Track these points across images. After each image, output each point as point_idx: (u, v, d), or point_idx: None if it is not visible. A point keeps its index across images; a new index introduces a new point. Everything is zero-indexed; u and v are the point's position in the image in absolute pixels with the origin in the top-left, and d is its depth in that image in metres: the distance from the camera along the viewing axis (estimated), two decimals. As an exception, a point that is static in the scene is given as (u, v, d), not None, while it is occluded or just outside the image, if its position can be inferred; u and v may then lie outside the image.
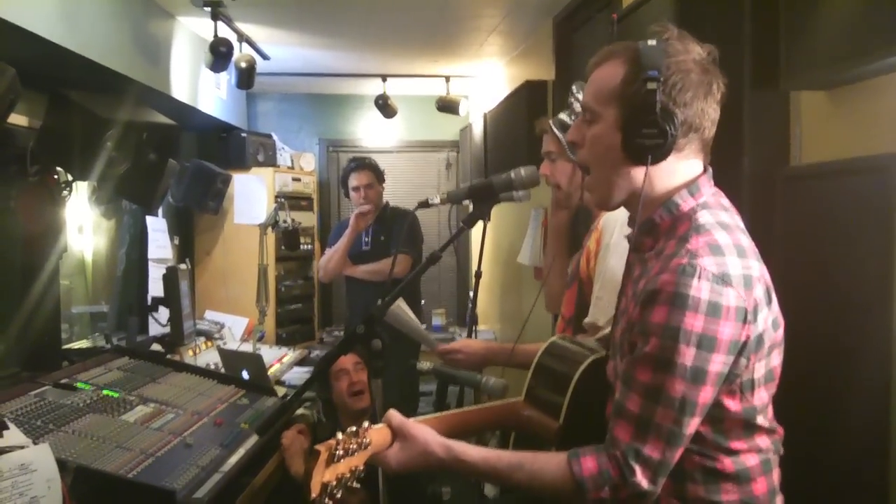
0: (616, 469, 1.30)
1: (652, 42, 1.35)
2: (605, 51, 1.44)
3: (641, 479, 1.28)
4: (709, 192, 1.41)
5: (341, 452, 1.34)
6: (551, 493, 1.36)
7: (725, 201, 1.43)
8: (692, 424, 1.29)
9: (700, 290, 1.25)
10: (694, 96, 1.35)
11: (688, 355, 1.25)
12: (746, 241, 1.36)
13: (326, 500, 1.34)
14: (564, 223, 2.45)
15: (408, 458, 1.44)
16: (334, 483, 1.35)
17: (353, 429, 1.38)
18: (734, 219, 1.39)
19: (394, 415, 1.46)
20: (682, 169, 1.40)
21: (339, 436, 1.35)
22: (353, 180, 4.55)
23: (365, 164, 4.58)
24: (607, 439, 1.35)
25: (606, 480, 1.30)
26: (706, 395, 1.27)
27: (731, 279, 1.27)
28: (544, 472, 1.36)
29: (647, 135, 1.33)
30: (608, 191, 1.44)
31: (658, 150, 1.34)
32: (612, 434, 1.33)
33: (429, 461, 1.43)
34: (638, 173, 1.38)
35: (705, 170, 1.43)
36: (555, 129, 2.28)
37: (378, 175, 4.60)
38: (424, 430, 1.45)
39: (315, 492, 1.33)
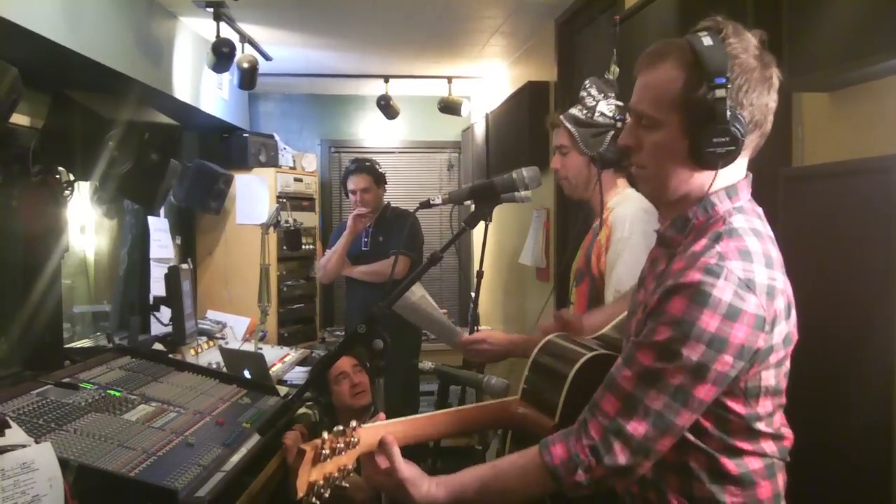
0: (586, 450, 1.30)
1: (707, 41, 1.32)
2: (656, 51, 1.39)
3: (619, 456, 1.29)
4: (746, 197, 1.40)
5: (327, 451, 1.34)
6: (535, 489, 1.37)
7: (760, 210, 1.42)
8: (683, 416, 1.28)
9: (723, 291, 1.25)
10: (759, 95, 1.33)
11: (696, 351, 1.25)
12: (775, 252, 1.35)
13: (314, 499, 1.34)
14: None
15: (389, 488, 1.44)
16: (321, 482, 1.34)
17: (340, 428, 1.38)
18: (766, 228, 1.39)
19: (391, 442, 1.44)
20: (728, 172, 1.37)
21: (325, 435, 1.35)
22: (351, 183, 4.54)
23: (363, 168, 4.54)
24: (589, 406, 1.35)
25: (578, 463, 1.31)
26: (705, 392, 1.27)
27: (756, 286, 1.27)
28: (523, 470, 1.38)
29: (719, 143, 1.31)
30: (664, 187, 1.42)
31: (729, 157, 1.32)
32: (596, 403, 1.34)
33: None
34: (700, 176, 1.37)
35: (746, 175, 1.42)
36: (567, 124, 2.33)
37: (376, 178, 4.56)
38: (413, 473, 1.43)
39: (301, 491, 1.33)
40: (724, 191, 1.38)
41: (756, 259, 1.29)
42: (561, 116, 2.35)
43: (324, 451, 1.33)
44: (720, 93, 1.29)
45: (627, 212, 2.22)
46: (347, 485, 1.39)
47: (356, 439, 1.39)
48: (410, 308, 2.36)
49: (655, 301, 1.31)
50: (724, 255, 1.28)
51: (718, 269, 1.26)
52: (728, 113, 1.30)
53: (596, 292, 2.26)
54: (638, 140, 1.42)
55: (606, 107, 2.28)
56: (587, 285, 2.30)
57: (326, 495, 1.36)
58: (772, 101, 1.36)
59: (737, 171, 1.40)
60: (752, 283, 1.27)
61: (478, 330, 2.61)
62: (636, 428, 1.28)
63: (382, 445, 1.42)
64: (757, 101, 1.33)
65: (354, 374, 3.03)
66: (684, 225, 1.40)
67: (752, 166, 1.45)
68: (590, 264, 2.29)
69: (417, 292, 2.34)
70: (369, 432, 1.43)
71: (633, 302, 1.54)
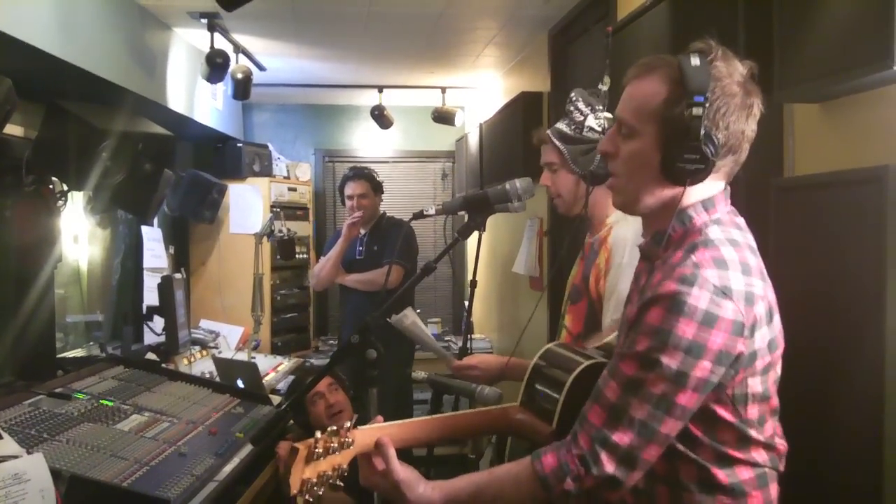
0: (575, 460, 1.32)
1: (695, 61, 1.34)
2: (645, 64, 1.42)
3: (606, 465, 1.30)
4: (724, 209, 1.42)
5: (320, 450, 1.36)
6: (527, 497, 1.39)
7: (740, 220, 1.44)
8: (667, 424, 1.30)
9: (699, 299, 1.26)
10: (736, 120, 1.35)
11: (674, 359, 1.27)
12: (754, 260, 1.37)
13: (307, 496, 1.35)
14: None
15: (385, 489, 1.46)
16: (315, 480, 1.36)
17: (334, 428, 1.39)
18: (746, 238, 1.40)
19: (387, 444, 1.46)
20: (704, 187, 1.40)
21: (318, 434, 1.37)
22: (348, 189, 4.58)
23: (361, 175, 4.59)
24: (578, 419, 1.37)
25: (567, 472, 1.32)
26: (686, 399, 1.29)
27: (732, 293, 1.28)
28: (516, 478, 1.39)
29: (689, 160, 1.33)
30: (635, 199, 1.44)
31: (697, 175, 1.34)
32: (584, 415, 1.36)
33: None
34: (670, 191, 1.39)
35: (725, 188, 1.44)
36: (555, 141, 2.24)
37: (374, 186, 4.61)
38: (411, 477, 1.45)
39: (294, 488, 1.35)
40: (700, 203, 1.40)
41: (732, 267, 1.31)
42: (548, 132, 2.28)
43: (317, 451, 1.35)
44: (697, 111, 1.31)
45: (628, 235, 2.13)
46: (342, 483, 1.41)
47: (350, 440, 1.41)
48: (403, 329, 2.40)
49: (635, 313, 1.34)
50: (699, 264, 1.30)
51: (693, 278, 1.28)
52: (702, 132, 1.32)
53: (593, 314, 2.20)
54: (615, 147, 1.44)
55: (595, 121, 2.21)
56: (585, 305, 2.23)
57: (320, 493, 1.37)
58: (749, 129, 1.38)
59: (715, 186, 1.42)
60: (728, 289, 1.28)
61: (471, 339, 2.61)
62: (621, 437, 1.30)
63: (379, 447, 1.45)
64: (734, 126, 1.35)
65: (330, 393, 2.95)
66: (663, 239, 1.42)
67: (744, 177, 1.46)
68: (588, 285, 2.25)
69: (409, 317, 2.36)
70: (364, 434, 1.44)
71: (622, 318, 1.56)
